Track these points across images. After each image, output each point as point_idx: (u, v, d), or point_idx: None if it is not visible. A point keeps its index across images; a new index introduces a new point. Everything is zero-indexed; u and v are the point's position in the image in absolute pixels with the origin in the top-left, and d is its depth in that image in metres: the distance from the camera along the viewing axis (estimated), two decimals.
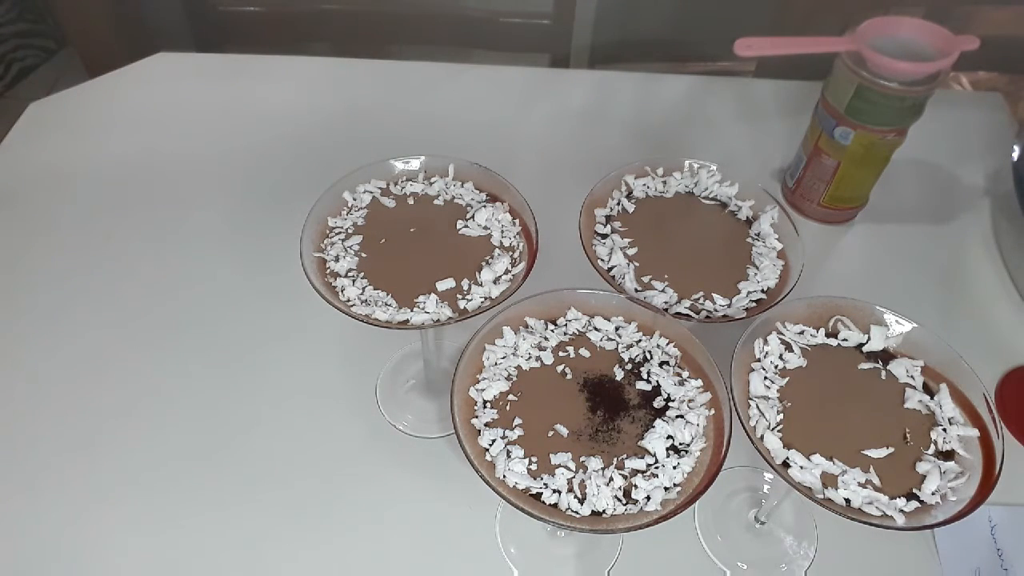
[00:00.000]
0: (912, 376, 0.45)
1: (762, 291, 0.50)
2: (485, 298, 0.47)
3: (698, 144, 0.83)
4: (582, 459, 0.40)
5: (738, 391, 0.43)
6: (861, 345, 0.47)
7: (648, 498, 0.39)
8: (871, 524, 0.38)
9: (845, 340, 0.47)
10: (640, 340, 0.47)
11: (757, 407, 0.43)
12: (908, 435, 0.42)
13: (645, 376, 0.45)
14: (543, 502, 0.39)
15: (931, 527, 0.38)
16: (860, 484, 0.40)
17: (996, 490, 0.39)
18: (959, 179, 0.81)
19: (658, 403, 0.43)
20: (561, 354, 0.46)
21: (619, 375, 0.45)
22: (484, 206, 0.52)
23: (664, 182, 0.57)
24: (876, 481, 0.40)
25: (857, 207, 0.75)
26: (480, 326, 0.45)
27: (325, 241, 0.50)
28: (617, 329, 0.47)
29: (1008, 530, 0.55)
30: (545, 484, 0.39)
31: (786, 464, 0.41)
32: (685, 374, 0.45)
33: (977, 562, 0.53)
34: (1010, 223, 0.74)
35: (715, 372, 0.44)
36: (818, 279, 0.69)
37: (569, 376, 0.45)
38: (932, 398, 0.44)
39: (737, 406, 0.42)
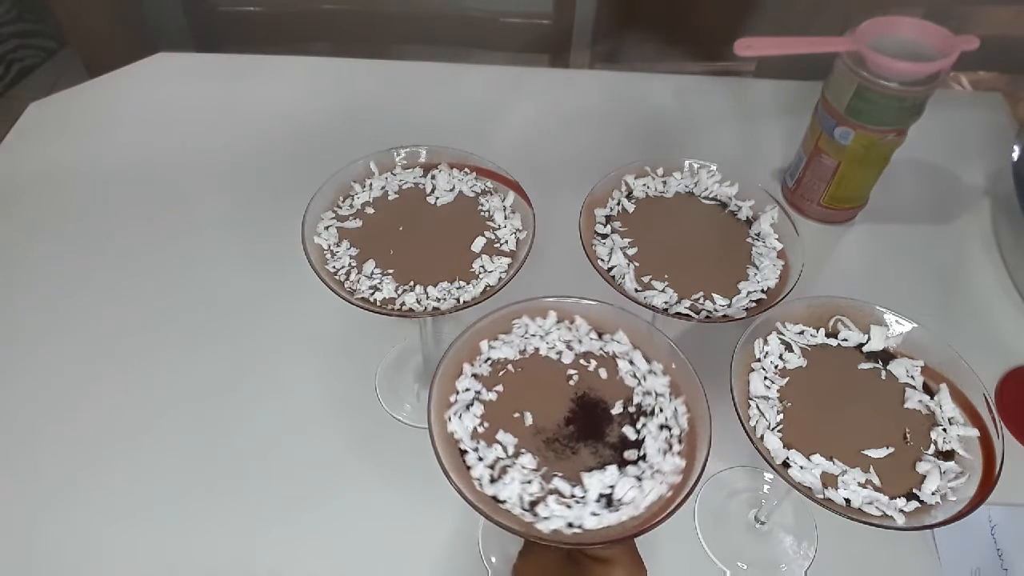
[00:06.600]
0: (912, 376, 0.45)
1: (762, 291, 0.50)
2: (486, 286, 0.47)
3: (698, 144, 0.83)
4: (521, 451, 0.38)
5: (738, 391, 0.43)
6: (861, 345, 0.47)
7: (547, 520, 0.36)
8: (871, 524, 0.38)
9: (845, 340, 0.47)
10: (661, 394, 0.42)
11: (757, 407, 0.43)
12: (908, 435, 0.42)
13: (639, 426, 0.41)
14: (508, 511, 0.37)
15: (931, 527, 0.38)
16: (860, 484, 0.40)
17: (996, 490, 0.39)
18: (959, 179, 0.82)
19: (629, 455, 0.39)
20: (582, 362, 0.44)
21: (616, 410, 0.41)
22: (486, 193, 0.53)
23: (664, 182, 0.57)
24: (876, 481, 0.40)
25: (857, 207, 0.75)
26: (524, 299, 0.44)
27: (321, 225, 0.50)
28: (648, 372, 0.44)
29: (1008, 530, 0.55)
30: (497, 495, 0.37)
31: (786, 464, 0.40)
32: (676, 448, 0.40)
33: (977, 562, 0.53)
34: (1010, 223, 0.74)
35: (702, 459, 0.39)
36: (818, 279, 0.69)
37: (572, 383, 0.43)
38: (932, 398, 0.44)
39: (737, 406, 0.42)
